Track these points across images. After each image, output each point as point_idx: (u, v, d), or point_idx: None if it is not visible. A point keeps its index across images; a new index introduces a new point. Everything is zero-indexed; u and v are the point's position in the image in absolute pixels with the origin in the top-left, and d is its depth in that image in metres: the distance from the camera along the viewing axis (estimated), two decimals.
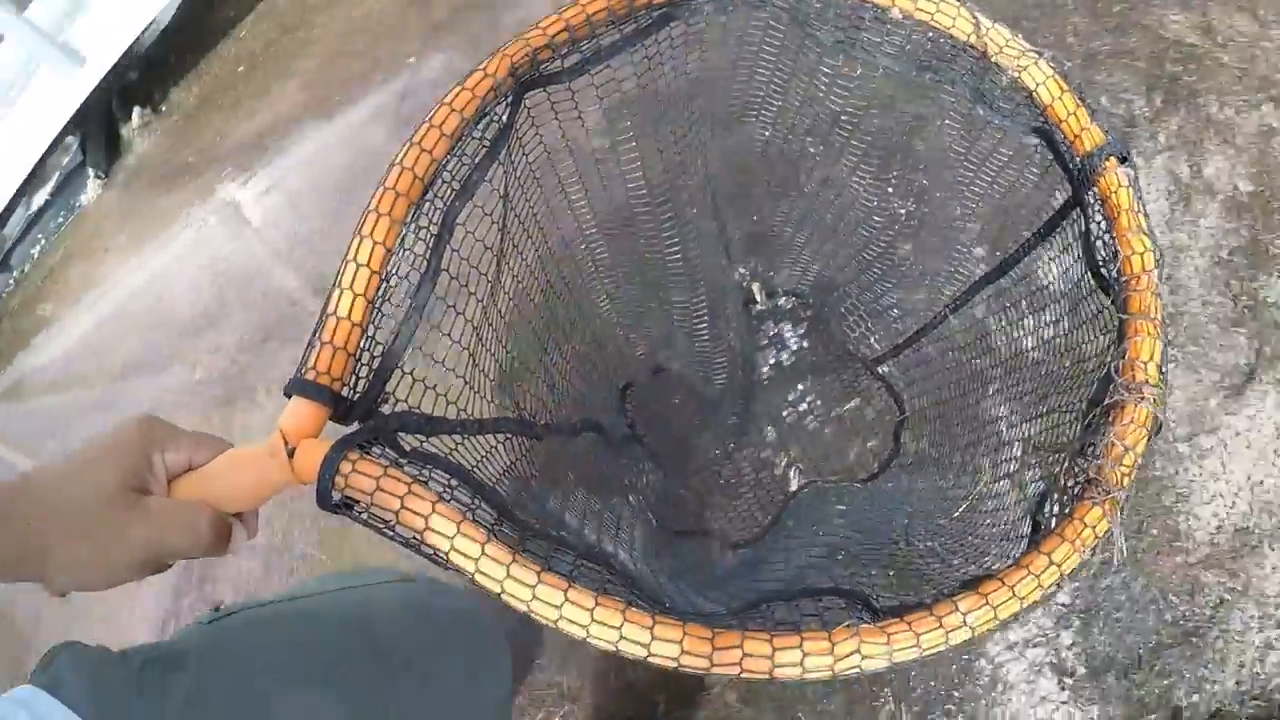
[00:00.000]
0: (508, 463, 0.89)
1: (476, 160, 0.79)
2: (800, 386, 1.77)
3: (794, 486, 1.69)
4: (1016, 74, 0.89)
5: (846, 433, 1.72)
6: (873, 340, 1.70)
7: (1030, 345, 1.06)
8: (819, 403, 1.73)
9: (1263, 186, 1.85)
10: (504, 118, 0.80)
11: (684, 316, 1.55)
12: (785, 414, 1.75)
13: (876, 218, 1.41)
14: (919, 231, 1.42)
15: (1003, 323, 1.16)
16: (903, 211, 1.45)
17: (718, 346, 1.62)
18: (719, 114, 1.19)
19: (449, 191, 0.77)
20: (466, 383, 0.84)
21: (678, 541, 1.49)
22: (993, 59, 0.89)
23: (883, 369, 1.68)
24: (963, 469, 1.18)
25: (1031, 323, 1.05)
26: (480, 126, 0.79)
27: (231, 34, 3.63)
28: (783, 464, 1.70)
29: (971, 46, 0.89)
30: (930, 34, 0.90)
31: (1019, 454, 1.00)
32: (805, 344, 1.77)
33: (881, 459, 1.63)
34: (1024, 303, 1.08)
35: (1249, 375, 1.68)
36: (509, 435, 0.92)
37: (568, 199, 1.07)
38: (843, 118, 1.17)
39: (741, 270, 1.83)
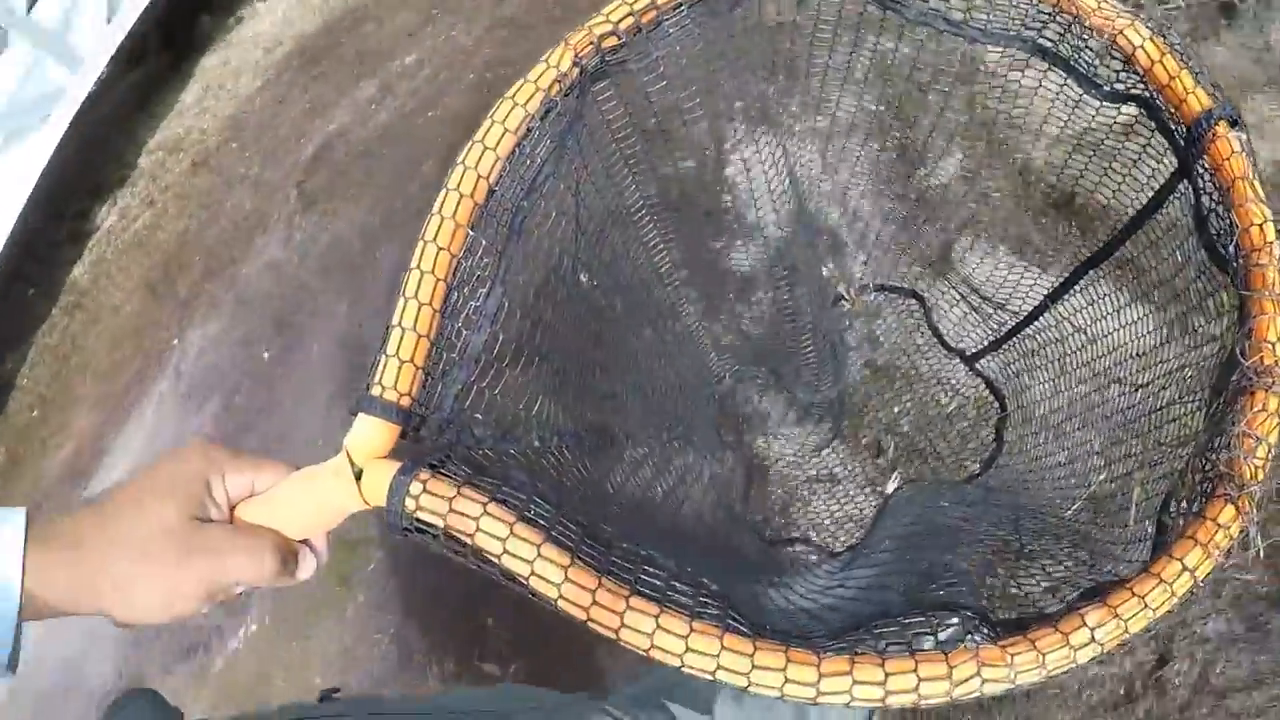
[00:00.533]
0: (589, 476, 0.85)
1: (545, 157, 0.74)
2: (896, 384, 1.70)
3: (892, 488, 1.63)
4: (1112, 36, 0.83)
5: (946, 431, 1.65)
6: (972, 334, 1.62)
7: (1141, 331, 0.99)
8: (916, 401, 1.67)
9: None
10: (571, 110, 0.76)
11: (774, 318, 1.50)
12: (880, 413, 1.68)
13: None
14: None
15: (1108, 309, 1.08)
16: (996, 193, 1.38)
17: (807, 345, 1.55)
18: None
19: (517, 191, 0.73)
20: (544, 392, 0.80)
21: (775, 551, 1.43)
22: (1086, 22, 0.82)
23: (982, 364, 1.60)
24: (1074, 466, 1.10)
25: (1141, 309, 0.98)
26: (547, 121, 0.74)
27: (15, 385, 3.70)
28: (880, 465, 1.64)
29: (1062, 9, 0.82)
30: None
31: (1138, 450, 0.93)
32: (899, 340, 1.70)
33: (984, 457, 1.56)
34: (1130, 287, 1.01)
35: None
36: (591, 447, 0.87)
37: (642, 195, 1.02)
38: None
39: (830, 266, 1.77)
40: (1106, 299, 1.09)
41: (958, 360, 1.63)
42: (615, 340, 1.06)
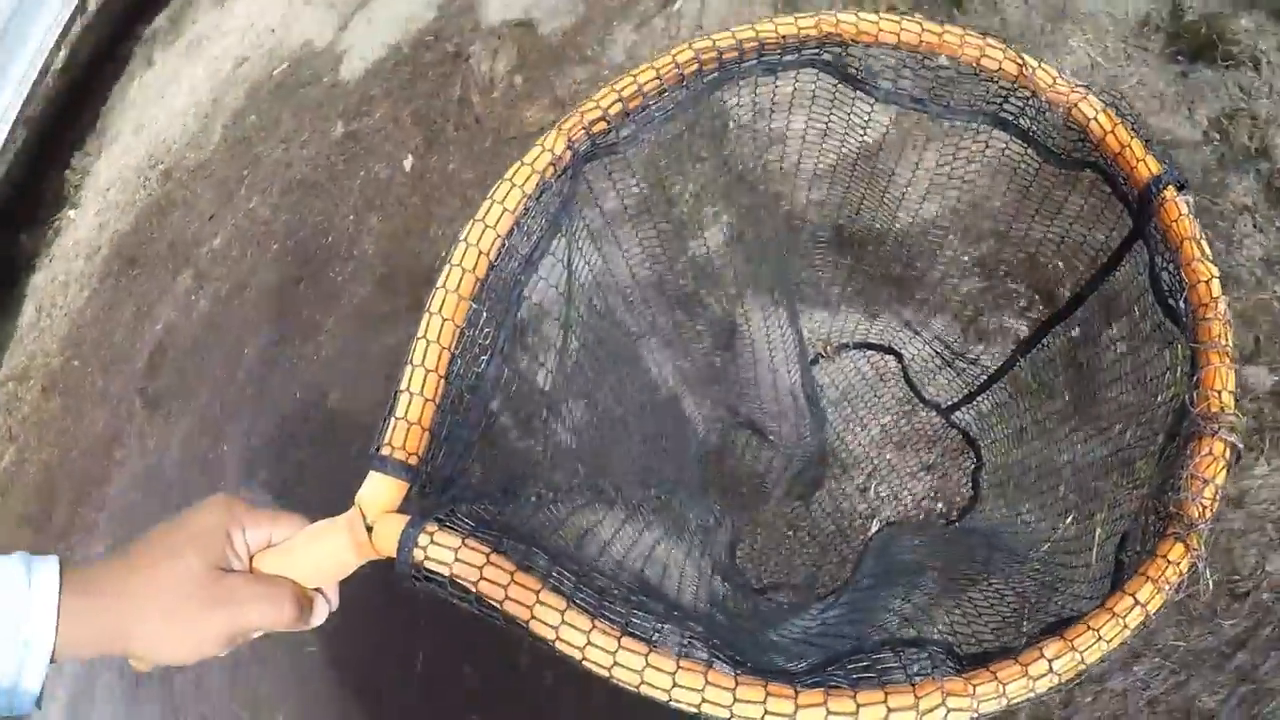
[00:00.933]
0: (584, 528, 0.91)
1: (540, 234, 0.81)
2: (875, 437, 1.76)
3: (873, 531, 1.68)
4: (1067, 109, 0.89)
5: (924, 482, 1.71)
6: (947, 389, 1.68)
7: (1102, 383, 1.04)
8: (896, 452, 1.72)
9: None
10: (564, 190, 0.83)
11: (748, 380, 1.56)
12: (862, 465, 1.74)
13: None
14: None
15: (1073, 362, 1.14)
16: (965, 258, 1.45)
17: (785, 404, 1.62)
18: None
19: (515, 266, 0.80)
20: (542, 451, 0.86)
21: (759, 599, 1.48)
22: (1043, 97, 0.89)
23: (957, 417, 1.66)
24: (1044, 510, 1.16)
25: (1101, 360, 1.04)
26: (542, 201, 0.81)
27: None
28: (862, 513, 1.69)
29: (1020, 85, 0.89)
30: (979, 77, 0.90)
31: (1102, 492, 0.98)
32: (877, 395, 1.76)
33: (960, 507, 1.61)
34: (1093, 342, 1.06)
35: None
36: (587, 502, 0.94)
37: (629, 267, 1.09)
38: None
39: (806, 330, 1.83)
40: (1074, 351, 1.15)
41: (935, 413, 1.69)
42: (604, 405, 1.12)
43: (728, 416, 1.72)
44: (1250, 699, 1.50)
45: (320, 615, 0.76)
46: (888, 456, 1.74)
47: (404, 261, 2.86)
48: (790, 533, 1.72)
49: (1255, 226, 1.80)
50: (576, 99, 2.60)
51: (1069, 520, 1.03)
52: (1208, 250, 0.85)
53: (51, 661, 0.64)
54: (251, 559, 0.74)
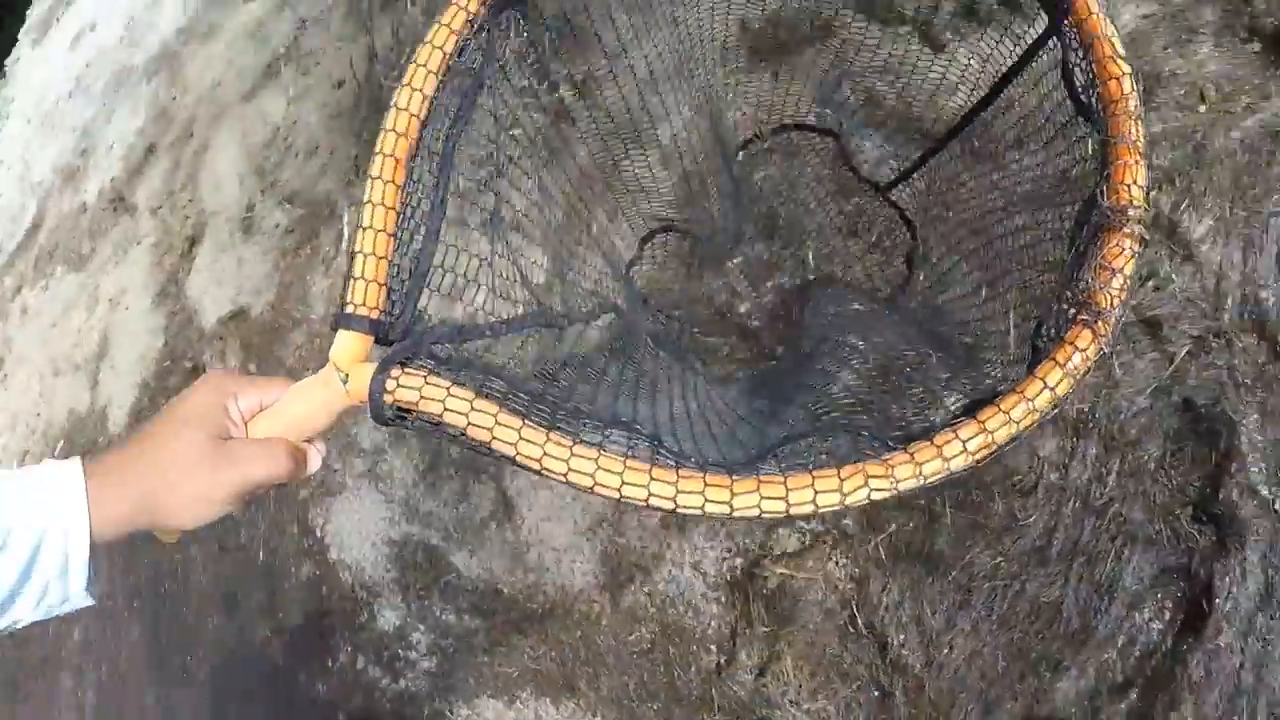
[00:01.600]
0: (537, 355, 0.99)
1: (465, 89, 0.85)
2: (817, 217, 1.80)
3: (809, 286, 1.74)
4: None
5: (863, 260, 1.76)
6: (883, 168, 1.70)
7: (1021, 170, 1.07)
8: (835, 234, 1.76)
9: None
10: (483, 44, 0.86)
11: (689, 170, 1.59)
12: (803, 242, 1.77)
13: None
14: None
15: (995, 150, 1.17)
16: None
17: (722, 188, 1.65)
18: None
19: (445, 122, 0.85)
20: (491, 290, 0.94)
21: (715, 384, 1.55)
22: None
23: (894, 194, 1.69)
24: (969, 294, 1.20)
25: (1020, 152, 1.07)
26: (463, 58, 0.85)
27: None
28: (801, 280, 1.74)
29: None
30: None
31: (1016, 276, 1.03)
32: (816, 175, 1.79)
33: (895, 285, 1.66)
34: (1012, 131, 1.09)
35: None
36: (535, 330, 1.01)
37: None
38: None
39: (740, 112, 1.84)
40: (997, 140, 1.17)
41: (872, 191, 1.72)
42: (548, 229, 1.18)
43: (664, 211, 1.75)
44: (1085, 571, 1.60)
45: (315, 463, 0.86)
46: (827, 236, 1.79)
47: None
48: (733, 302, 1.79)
49: None
50: (306, 363, 2.82)
51: (983, 297, 1.09)
52: (1120, 48, 0.87)
53: (93, 548, 0.73)
54: (247, 425, 0.83)
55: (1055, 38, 0.91)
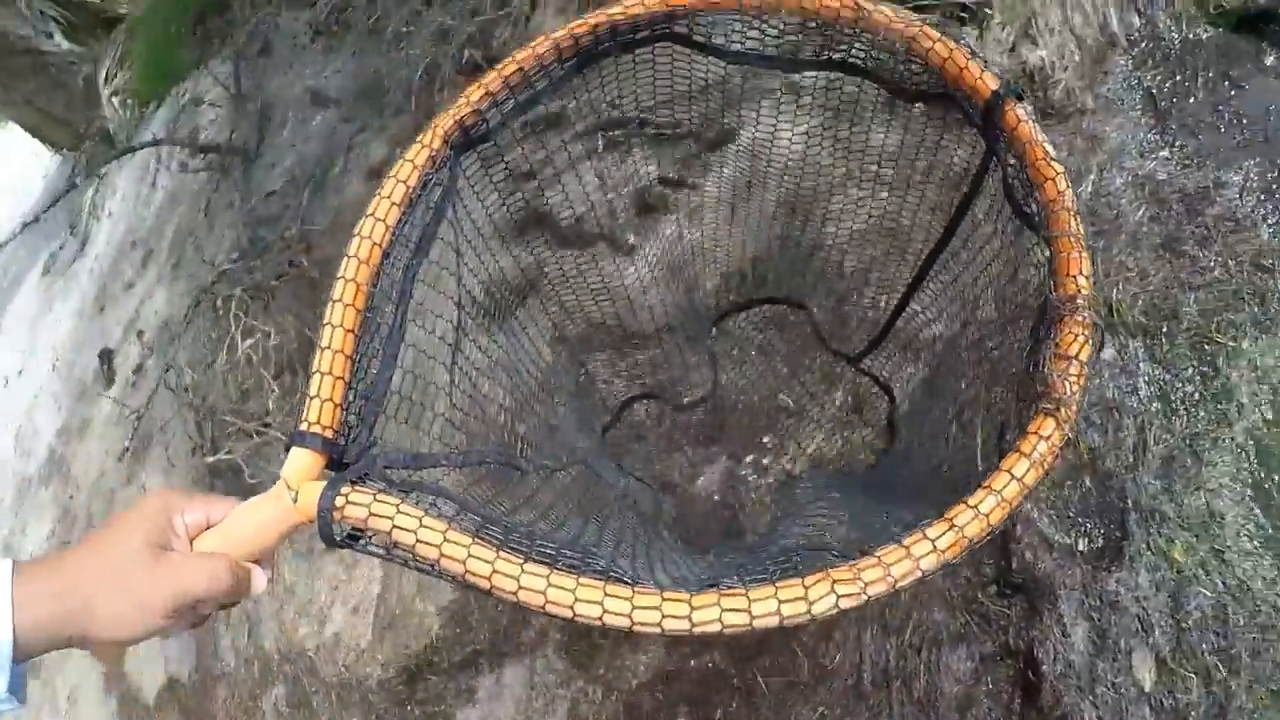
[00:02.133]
0: (494, 492, 0.97)
1: (426, 222, 0.90)
2: (795, 391, 1.78)
3: (798, 470, 1.69)
4: (907, 41, 0.96)
5: (843, 428, 1.73)
6: (851, 337, 1.70)
7: (980, 295, 1.08)
8: (814, 403, 1.74)
9: None
10: (444, 180, 0.92)
11: (658, 346, 1.61)
12: (780, 418, 1.75)
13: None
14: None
15: (955, 287, 1.18)
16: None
17: (692, 361, 1.65)
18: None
19: (406, 253, 0.89)
20: (450, 422, 0.94)
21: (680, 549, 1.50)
22: (881, 35, 0.96)
23: (866, 363, 1.67)
24: (944, 430, 1.17)
25: (981, 280, 1.08)
26: (426, 192, 0.91)
27: None
28: (781, 465, 1.71)
29: (861, 28, 0.96)
30: (818, 24, 0.97)
31: (989, 399, 1.01)
32: (782, 346, 1.79)
33: (880, 449, 1.62)
34: (971, 265, 1.11)
35: None
36: (495, 466, 1.01)
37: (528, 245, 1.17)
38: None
39: (707, 289, 1.87)
40: (956, 279, 1.19)
41: (845, 362, 1.70)
42: (510, 380, 1.20)
43: (636, 383, 1.75)
44: (904, 694, 1.53)
45: (259, 584, 0.83)
46: (806, 409, 1.76)
47: None
48: (710, 491, 1.74)
49: None
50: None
51: (954, 430, 1.06)
52: (1051, 150, 0.90)
53: (20, 659, 0.70)
54: (192, 541, 0.82)
55: (994, 158, 0.95)
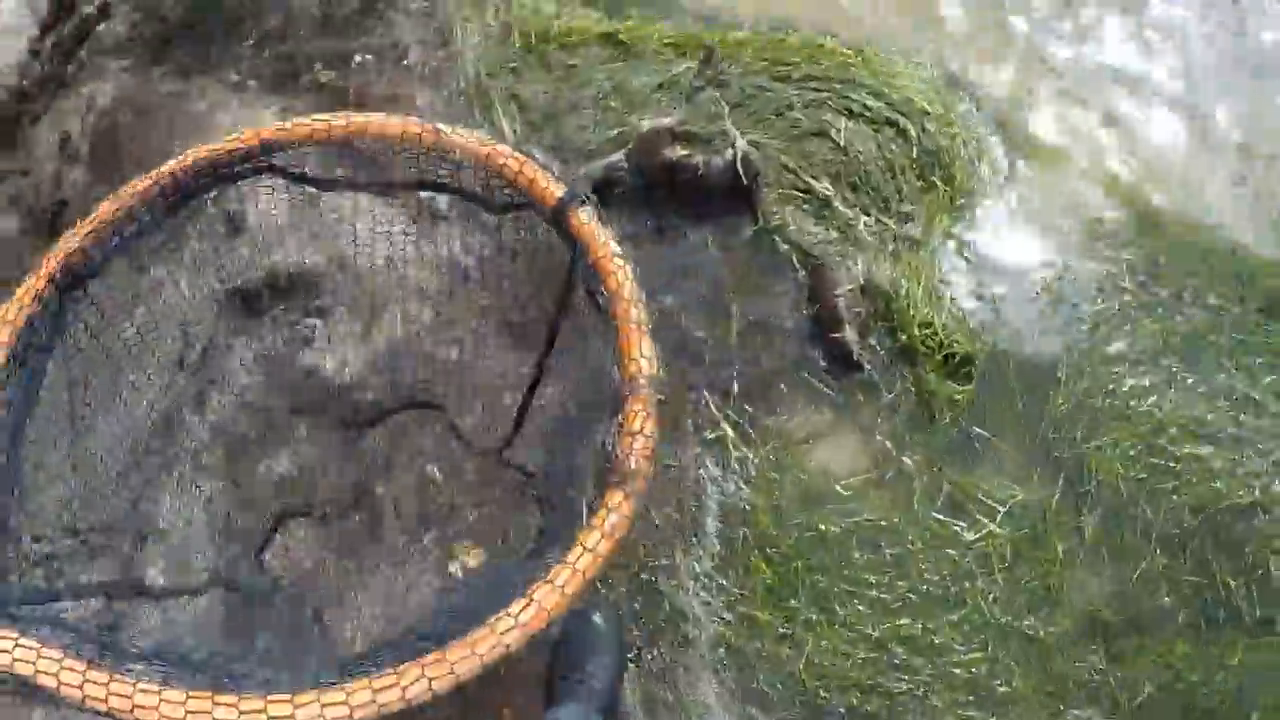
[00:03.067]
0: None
1: (36, 359, 0.95)
2: (452, 492, 1.70)
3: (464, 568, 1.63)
4: (484, 158, 1.07)
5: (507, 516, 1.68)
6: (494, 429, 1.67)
7: (586, 386, 1.19)
8: (465, 505, 1.68)
9: None
10: (52, 318, 0.96)
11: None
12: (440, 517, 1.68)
13: None
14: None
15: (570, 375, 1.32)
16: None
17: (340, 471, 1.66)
18: None
19: (13, 390, 0.93)
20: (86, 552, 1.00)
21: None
22: (458, 155, 1.06)
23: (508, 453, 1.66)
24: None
25: (588, 365, 1.18)
26: (34, 329, 0.95)
27: None
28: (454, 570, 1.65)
29: (443, 152, 1.06)
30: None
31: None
32: (436, 450, 1.70)
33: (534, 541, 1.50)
34: (575, 352, 1.21)
35: None
36: (124, 599, 1.07)
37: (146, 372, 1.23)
38: None
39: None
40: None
41: (492, 457, 1.67)
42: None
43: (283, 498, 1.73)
44: None
45: None
46: (459, 510, 1.71)
47: None
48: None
49: None
50: None
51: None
52: (615, 247, 1.03)
53: None
54: None
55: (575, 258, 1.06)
